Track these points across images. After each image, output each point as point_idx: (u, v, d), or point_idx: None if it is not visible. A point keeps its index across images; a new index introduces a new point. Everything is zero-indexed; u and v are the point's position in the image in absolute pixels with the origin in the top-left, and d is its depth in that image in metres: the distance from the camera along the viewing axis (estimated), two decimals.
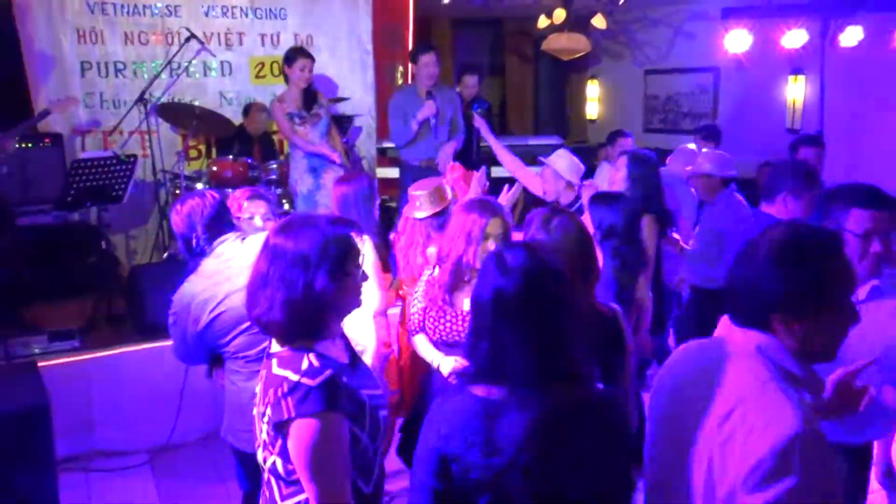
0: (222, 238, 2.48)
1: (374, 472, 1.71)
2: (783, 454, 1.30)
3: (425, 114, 4.88)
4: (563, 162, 3.71)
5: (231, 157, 5.20)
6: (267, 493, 1.68)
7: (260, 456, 1.66)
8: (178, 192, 4.94)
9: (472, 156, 5.68)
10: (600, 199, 3.05)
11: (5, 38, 5.12)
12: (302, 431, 1.52)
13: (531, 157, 5.04)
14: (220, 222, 2.52)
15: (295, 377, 1.53)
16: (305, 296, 1.56)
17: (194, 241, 2.49)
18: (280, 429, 1.55)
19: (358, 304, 1.72)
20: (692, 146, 4.85)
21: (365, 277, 1.70)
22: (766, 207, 3.15)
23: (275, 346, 1.67)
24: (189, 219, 2.48)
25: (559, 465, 1.42)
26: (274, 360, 1.60)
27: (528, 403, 1.41)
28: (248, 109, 5.66)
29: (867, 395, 1.71)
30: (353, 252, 1.66)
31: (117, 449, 3.86)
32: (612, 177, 3.64)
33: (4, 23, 5.12)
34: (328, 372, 1.55)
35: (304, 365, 1.55)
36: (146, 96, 5.12)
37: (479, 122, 4.72)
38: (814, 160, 4.08)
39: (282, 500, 1.63)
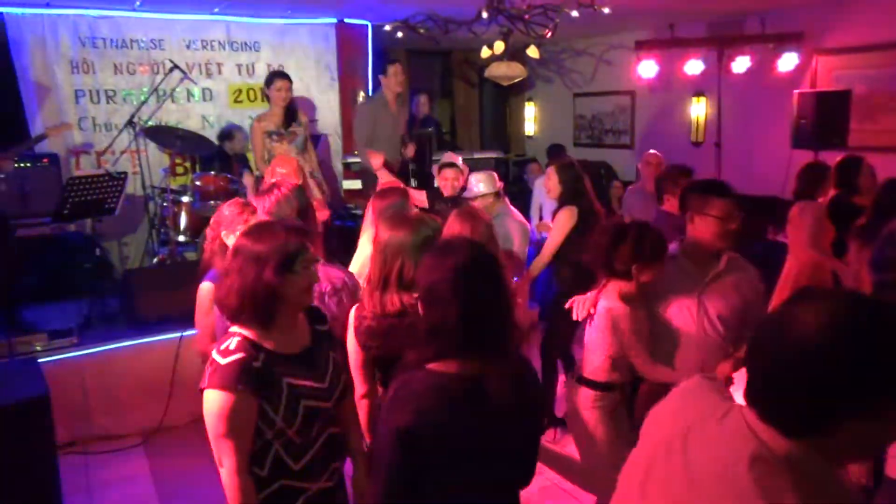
0: None
1: (308, 453, 1.65)
2: None
3: (379, 163, 4.72)
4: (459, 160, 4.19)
5: (213, 172, 5.08)
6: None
7: None
8: (165, 204, 4.83)
9: (426, 166, 5.69)
10: None
11: (1, 70, 4.92)
12: (206, 400, 1.53)
13: (478, 168, 5.07)
14: None
15: (214, 354, 1.55)
16: (254, 286, 1.57)
17: None
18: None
19: (308, 300, 1.70)
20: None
21: (316, 279, 1.68)
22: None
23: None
24: None
25: (520, 421, 1.44)
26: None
27: (505, 366, 1.40)
28: (232, 135, 5.49)
29: None
30: (301, 254, 1.64)
31: (113, 433, 3.75)
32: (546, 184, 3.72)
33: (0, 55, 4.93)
34: (239, 356, 1.53)
35: (224, 346, 1.56)
36: (135, 120, 4.98)
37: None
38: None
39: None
